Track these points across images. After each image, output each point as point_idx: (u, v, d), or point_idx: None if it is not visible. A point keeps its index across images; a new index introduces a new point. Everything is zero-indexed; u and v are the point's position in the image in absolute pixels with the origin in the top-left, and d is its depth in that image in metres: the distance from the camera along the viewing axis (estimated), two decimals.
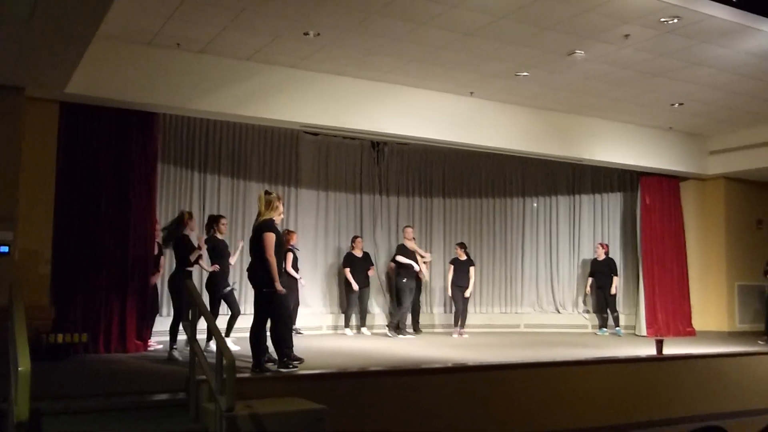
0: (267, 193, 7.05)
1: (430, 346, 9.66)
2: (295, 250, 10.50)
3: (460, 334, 11.45)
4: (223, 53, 9.03)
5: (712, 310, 13.33)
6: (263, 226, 6.82)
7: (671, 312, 13.11)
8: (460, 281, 11.61)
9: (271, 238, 6.71)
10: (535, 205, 13.93)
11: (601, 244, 13.06)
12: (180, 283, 7.68)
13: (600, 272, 12.77)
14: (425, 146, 12.07)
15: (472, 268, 11.70)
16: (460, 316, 11.62)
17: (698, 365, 8.91)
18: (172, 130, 10.57)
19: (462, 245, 11.93)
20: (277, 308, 6.75)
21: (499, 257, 13.51)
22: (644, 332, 12.73)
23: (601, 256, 12.88)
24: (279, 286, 6.67)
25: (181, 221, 8.27)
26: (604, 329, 12.76)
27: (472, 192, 13.48)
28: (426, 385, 6.89)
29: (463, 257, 11.74)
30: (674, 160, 13.01)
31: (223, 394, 5.16)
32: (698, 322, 13.33)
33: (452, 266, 11.76)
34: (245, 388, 5.90)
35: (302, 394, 6.10)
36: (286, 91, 9.51)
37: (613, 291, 12.72)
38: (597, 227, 13.73)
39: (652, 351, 9.09)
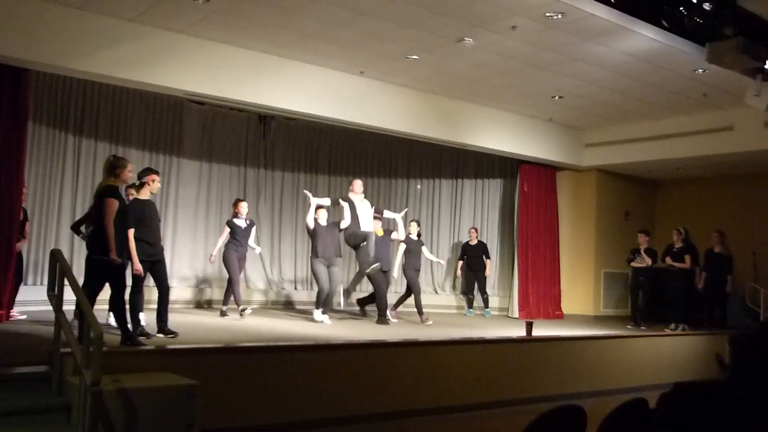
0: (114, 157, 6.61)
1: (314, 325, 9.61)
2: (236, 223, 9.91)
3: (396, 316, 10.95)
4: (104, 11, 8.58)
5: (580, 295, 13.93)
6: (103, 191, 6.40)
7: (542, 295, 13.60)
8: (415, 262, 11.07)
9: (111, 204, 6.32)
10: (419, 187, 14.09)
11: (474, 229, 13.39)
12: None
13: (472, 255, 13.07)
14: (313, 122, 11.97)
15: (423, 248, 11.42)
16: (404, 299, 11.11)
17: (564, 347, 9.26)
18: (46, 90, 10.01)
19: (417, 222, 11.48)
20: (113, 279, 6.42)
21: None
22: (516, 314, 13.17)
23: (474, 240, 13.20)
24: (114, 256, 6.30)
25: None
26: (471, 310, 13.12)
27: (358, 171, 13.50)
28: (299, 362, 6.85)
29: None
30: (552, 150, 13.43)
31: (89, 368, 4.94)
32: (567, 306, 13.90)
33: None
34: (114, 362, 5.68)
35: (174, 369, 5.94)
36: (171, 57, 9.15)
37: (487, 273, 13.07)
38: (477, 212, 14.05)
39: (522, 332, 9.38)
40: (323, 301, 9.63)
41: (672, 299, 11.82)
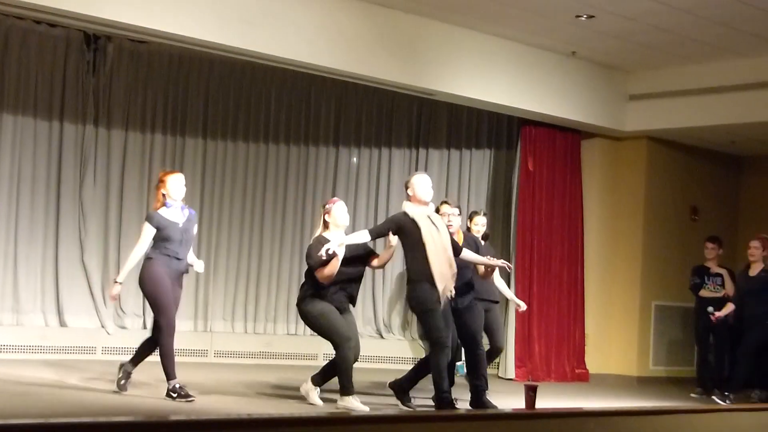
0: None
1: None
2: (165, 216, 9.40)
3: None
4: None
5: (617, 343, 14.00)
6: None
7: (555, 343, 13.60)
8: None
9: None
10: (355, 160, 13.98)
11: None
12: None
13: None
14: (179, 50, 11.84)
15: None
16: None
17: (589, 429, 9.23)
18: None
19: None
20: None
21: (293, 239, 13.43)
22: (511, 374, 13.14)
23: None
24: None
25: None
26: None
27: (254, 131, 13.43)
28: None
29: None
30: (575, 104, 13.46)
31: None
32: (594, 361, 13.91)
33: None
34: None
35: None
36: None
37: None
38: (450, 200, 13.96)
39: (520, 403, 9.34)
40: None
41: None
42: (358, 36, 11.50)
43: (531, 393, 9.32)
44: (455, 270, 9.28)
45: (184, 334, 12.59)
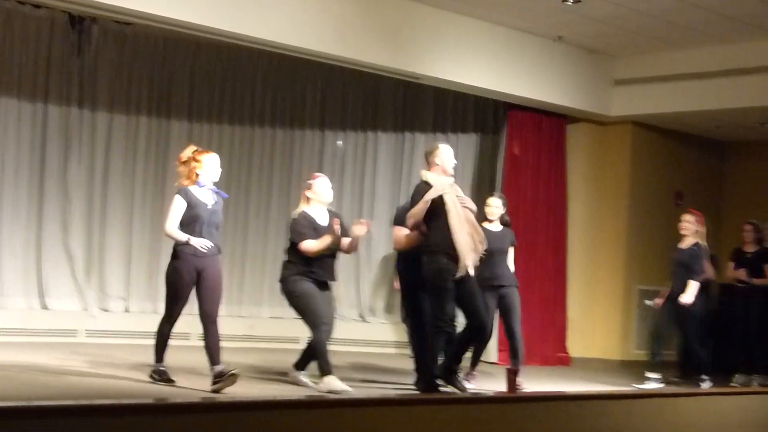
0: None
1: None
2: (195, 195, 9.31)
3: None
4: None
5: (599, 327, 14.08)
6: None
7: (538, 327, 13.63)
8: None
9: None
10: (341, 143, 13.99)
11: None
12: None
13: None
14: (165, 32, 11.81)
15: None
16: None
17: (571, 411, 9.23)
18: None
19: None
20: None
21: (278, 222, 13.43)
22: (494, 357, 13.19)
23: None
24: None
25: None
26: None
27: (240, 114, 13.43)
28: None
29: None
30: (561, 89, 13.50)
31: None
32: (576, 345, 13.97)
33: None
34: None
35: None
36: None
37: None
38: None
39: (503, 387, 9.42)
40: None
41: (742, 334, 12.01)
42: (345, 20, 11.49)
43: (513, 376, 9.37)
44: (483, 244, 9.14)
45: None
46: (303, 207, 9.27)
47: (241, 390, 8.48)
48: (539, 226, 13.79)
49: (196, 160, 8.74)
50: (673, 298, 11.35)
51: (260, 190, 13.48)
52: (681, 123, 14.29)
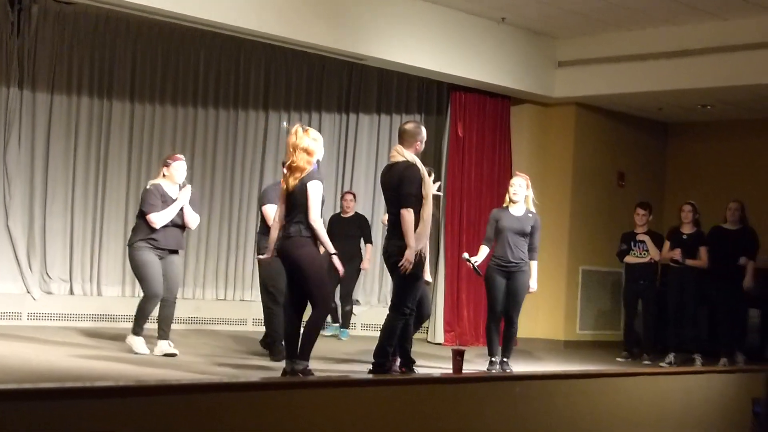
0: None
1: None
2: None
3: None
4: None
5: (544, 308, 14.13)
6: None
7: (484, 308, 13.66)
8: None
9: None
10: (285, 124, 13.93)
11: (350, 193, 13.35)
12: None
13: (342, 237, 12.40)
14: (106, 11, 11.75)
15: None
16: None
17: (515, 392, 9.29)
18: None
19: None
20: None
21: (222, 204, 13.40)
22: (440, 338, 13.28)
23: (348, 212, 13.16)
24: None
25: None
26: (333, 326, 13.10)
27: (182, 95, 13.34)
28: None
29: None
30: (505, 70, 13.52)
31: None
32: (522, 325, 13.96)
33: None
34: None
35: None
36: None
37: (363, 266, 13.08)
38: (380, 164, 13.96)
39: (449, 368, 9.46)
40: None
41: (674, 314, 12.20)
42: (289, 0, 11.46)
43: (459, 357, 9.42)
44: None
45: (112, 300, 12.58)
46: (159, 180, 9.99)
47: (188, 373, 8.49)
48: (484, 206, 13.78)
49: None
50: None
51: (203, 171, 13.36)
52: (624, 104, 14.40)
